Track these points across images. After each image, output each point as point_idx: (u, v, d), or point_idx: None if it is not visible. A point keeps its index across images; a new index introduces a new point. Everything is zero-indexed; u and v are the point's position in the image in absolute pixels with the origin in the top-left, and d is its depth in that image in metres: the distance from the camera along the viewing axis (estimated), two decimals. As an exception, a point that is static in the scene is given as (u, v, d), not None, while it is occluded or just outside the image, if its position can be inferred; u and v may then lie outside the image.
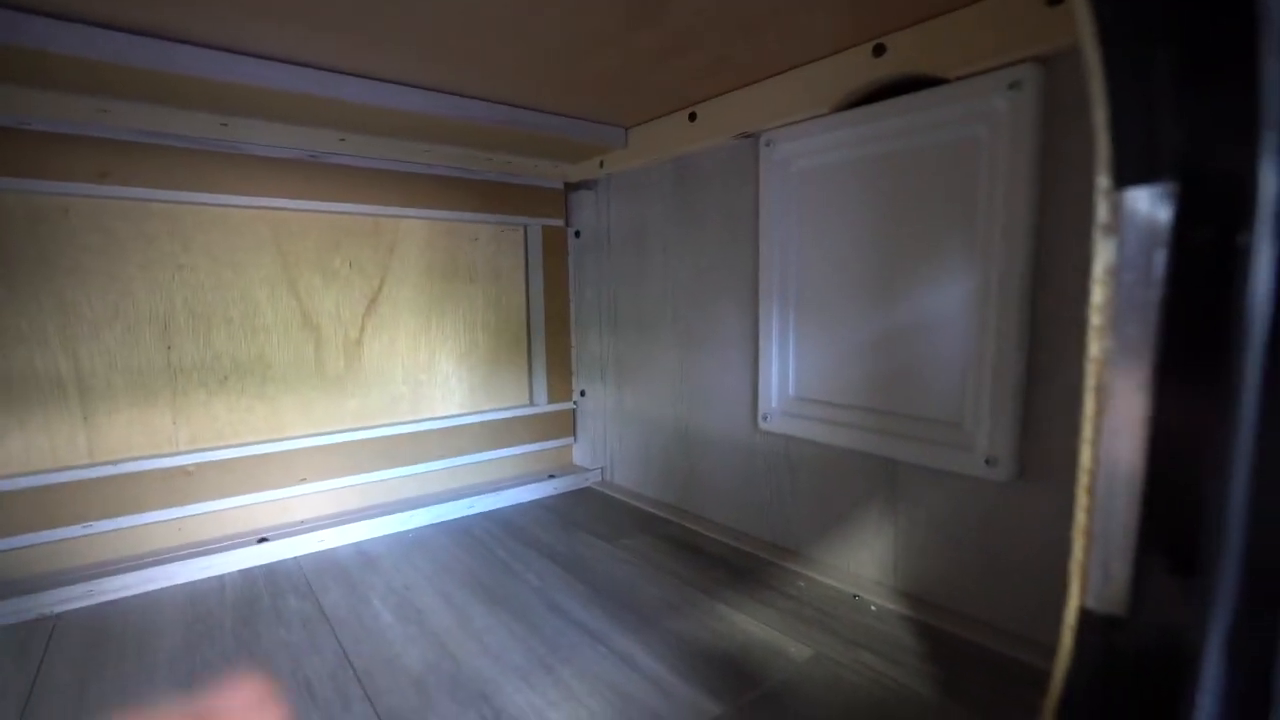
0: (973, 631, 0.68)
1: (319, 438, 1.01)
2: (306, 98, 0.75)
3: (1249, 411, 0.23)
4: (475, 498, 1.12)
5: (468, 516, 1.09)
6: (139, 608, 0.77)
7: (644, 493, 1.17)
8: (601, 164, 1.13)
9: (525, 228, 1.24)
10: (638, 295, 1.14)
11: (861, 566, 0.81)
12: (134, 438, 0.88)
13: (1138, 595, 0.27)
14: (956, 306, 0.67)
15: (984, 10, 0.62)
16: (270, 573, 0.87)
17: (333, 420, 1.04)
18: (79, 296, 0.83)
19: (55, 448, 0.83)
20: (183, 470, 0.90)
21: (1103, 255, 0.26)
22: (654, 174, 1.07)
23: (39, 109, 0.74)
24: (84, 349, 0.83)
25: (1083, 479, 0.28)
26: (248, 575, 0.86)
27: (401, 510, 1.04)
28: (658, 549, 0.94)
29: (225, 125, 0.83)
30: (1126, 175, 0.25)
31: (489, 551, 0.94)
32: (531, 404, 1.28)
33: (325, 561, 0.90)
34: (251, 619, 0.74)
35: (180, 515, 0.90)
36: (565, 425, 1.31)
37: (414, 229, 1.10)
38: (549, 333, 1.26)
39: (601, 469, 1.28)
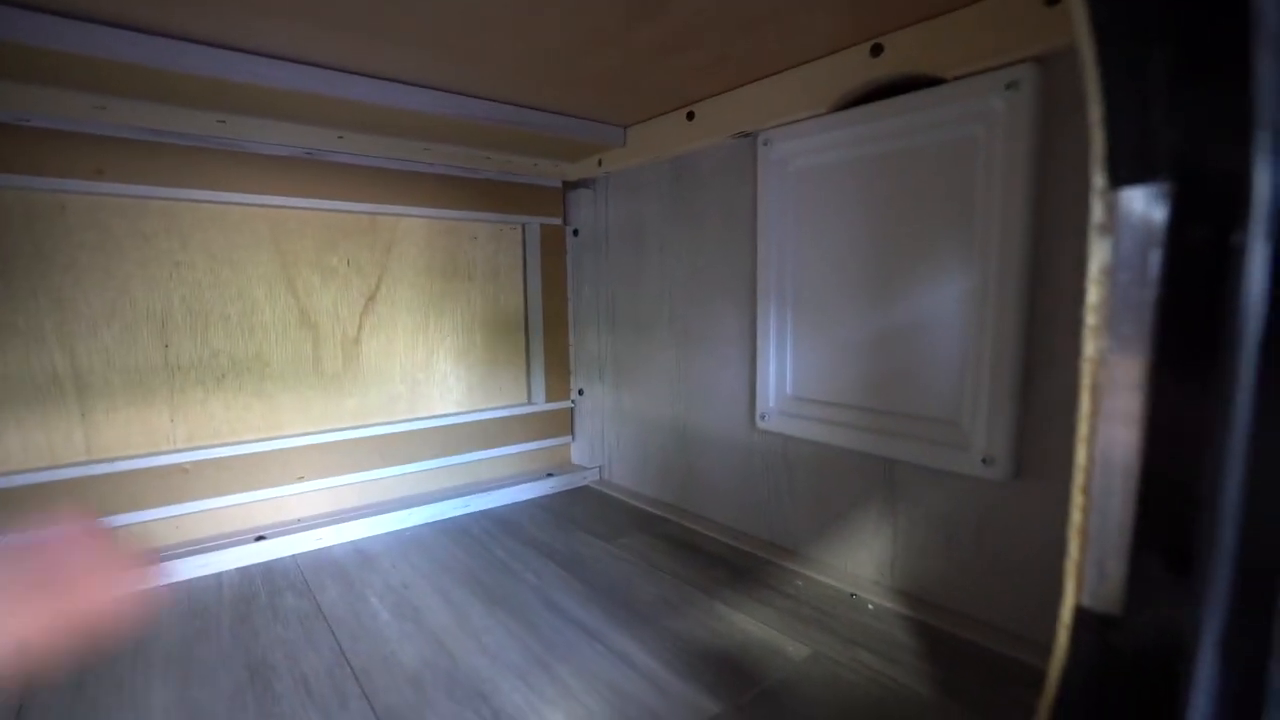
0: (970, 630, 0.68)
1: (317, 436, 1.01)
2: (306, 95, 0.75)
3: (1244, 410, 0.23)
4: (473, 496, 1.12)
5: (465, 515, 1.09)
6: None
7: (642, 491, 1.17)
8: (600, 163, 1.13)
9: (523, 226, 1.24)
10: (636, 294, 1.14)
11: (859, 565, 0.81)
12: (131, 435, 0.88)
13: (1133, 594, 0.27)
14: (954, 306, 0.68)
15: (982, 10, 0.62)
16: (268, 571, 0.87)
17: (330, 419, 1.04)
18: (76, 294, 0.82)
19: (52, 445, 0.83)
20: (180, 468, 0.89)
21: (1098, 255, 0.26)
22: (652, 173, 1.07)
23: (38, 106, 0.74)
24: (81, 346, 0.83)
25: (1078, 478, 0.28)
26: (245, 573, 0.86)
27: (399, 509, 1.04)
28: (655, 548, 0.94)
29: (224, 123, 0.83)
30: (1122, 175, 0.25)
31: (487, 550, 0.94)
32: (529, 403, 1.28)
33: (323, 560, 0.90)
34: (249, 617, 0.74)
35: (178, 513, 0.90)
36: (563, 424, 1.31)
37: (412, 227, 1.10)
38: (547, 331, 1.26)
39: (599, 468, 1.28)
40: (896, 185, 0.72)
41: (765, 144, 0.85)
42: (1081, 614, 0.28)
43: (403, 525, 1.03)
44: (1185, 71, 0.23)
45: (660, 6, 0.62)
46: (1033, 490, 0.64)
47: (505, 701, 0.59)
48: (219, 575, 0.85)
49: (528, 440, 1.26)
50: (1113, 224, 0.25)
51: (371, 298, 1.07)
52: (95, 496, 0.84)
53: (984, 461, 0.66)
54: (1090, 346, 0.27)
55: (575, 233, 1.27)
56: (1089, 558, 0.28)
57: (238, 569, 0.87)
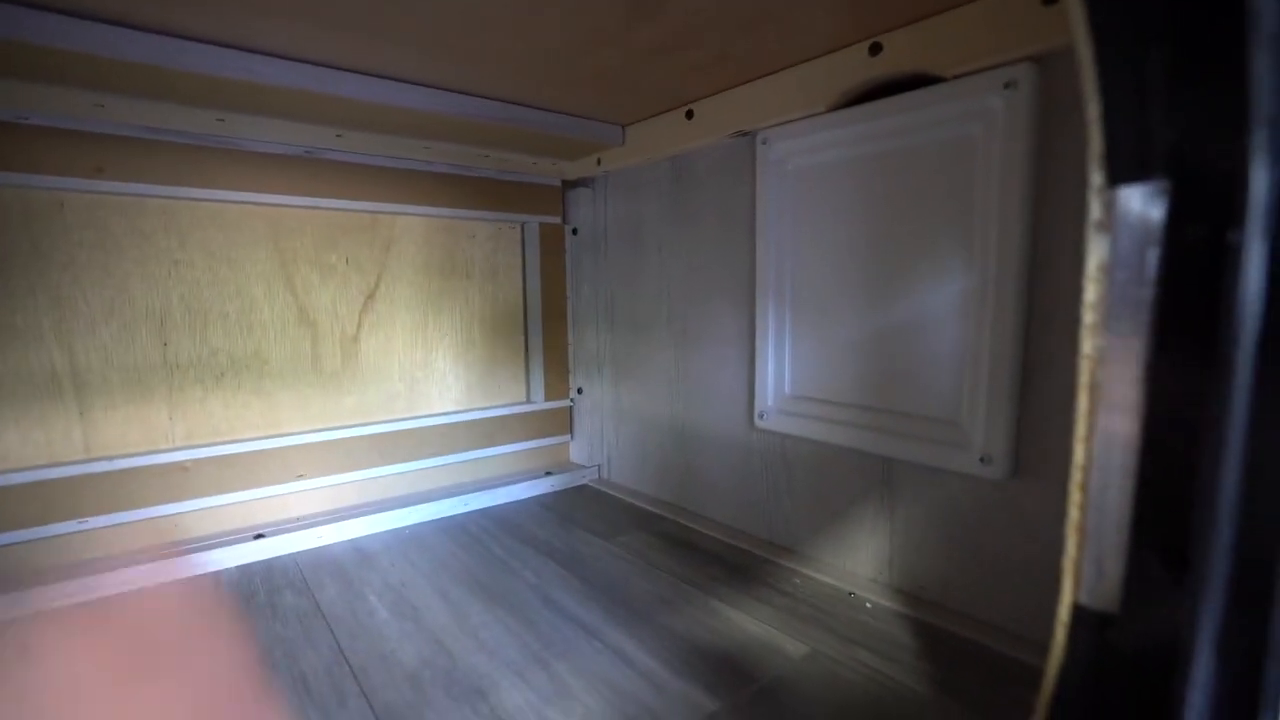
0: (968, 629, 0.68)
1: (316, 434, 1.01)
2: (304, 94, 0.74)
3: (1241, 409, 0.23)
4: (471, 494, 1.12)
5: (464, 513, 1.09)
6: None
7: (640, 490, 1.17)
8: (599, 162, 1.13)
9: (522, 225, 1.24)
10: (634, 293, 1.14)
11: (857, 564, 0.81)
12: (130, 434, 0.88)
13: (1131, 592, 0.27)
14: (952, 304, 0.68)
15: (980, 9, 0.62)
16: (267, 569, 0.87)
17: (329, 417, 1.04)
18: (74, 292, 0.82)
19: (51, 443, 0.83)
20: (179, 466, 0.89)
21: (1096, 252, 0.26)
22: (651, 172, 1.07)
23: (37, 104, 0.74)
24: (79, 344, 0.83)
25: (1076, 476, 0.28)
26: (244, 571, 0.86)
27: (398, 507, 1.04)
28: (654, 546, 0.94)
29: (223, 121, 0.83)
30: (1119, 173, 0.25)
31: (485, 548, 0.94)
32: (528, 401, 1.28)
33: (322, 558, 0.90)
34: (248, 615, 0.74)
35: (177, 511, 0.90)
36: (562, 422, 1.31)
37: (411, 226, 1.10)
38: (546, 330, 1.26)
39: (598, 466, 1.28)
40: (895, 184, 0.72)
41: (764, 143, 0.85)
42: (1079, 612, 0.28)
43: (401, 523, 1.03)
44: (1182, 70, 0.23)
45: (659, 6, 0.62)
46: (1031, 489, 0.64)
47: (504, 699, 0.59)
48: (218, 573, 0.85)
49: (526, 439, 1.26)
50: (1110, 222, 0.25)
51: (370, 296, 1.07)
52: (93, 495, 0.84)
53: (982, 460, 0.66)
54: (1088, 344, 0.27)
55: (574, 231, 1.27)
56: (1087, 556, 0.28)
57: (237, 567, 0.87)
